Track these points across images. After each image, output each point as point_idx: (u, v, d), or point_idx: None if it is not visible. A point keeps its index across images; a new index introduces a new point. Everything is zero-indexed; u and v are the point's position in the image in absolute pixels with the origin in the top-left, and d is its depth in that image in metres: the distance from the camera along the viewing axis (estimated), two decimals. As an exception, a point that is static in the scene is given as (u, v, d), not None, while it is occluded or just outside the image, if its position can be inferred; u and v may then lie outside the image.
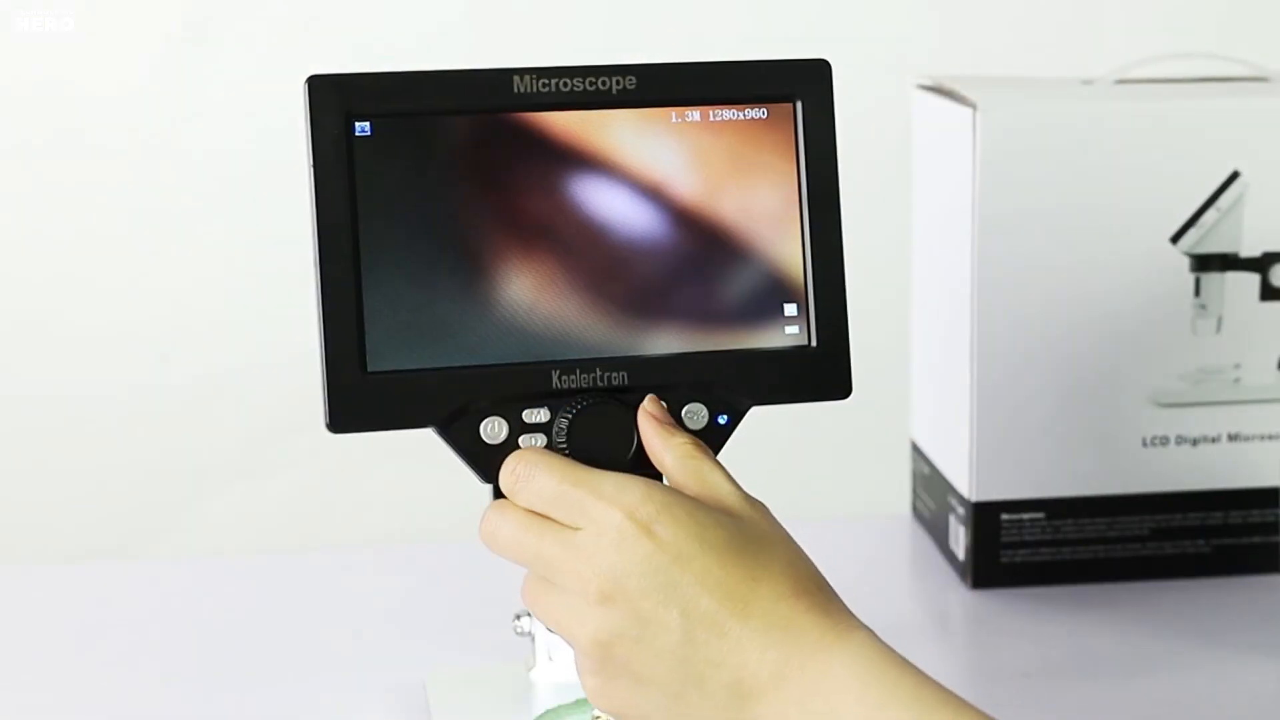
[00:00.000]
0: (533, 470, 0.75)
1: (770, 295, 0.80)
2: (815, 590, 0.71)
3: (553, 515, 0.73)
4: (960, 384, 1.07)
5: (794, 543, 0.74)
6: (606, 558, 0.71)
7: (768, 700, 0.69)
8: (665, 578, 0.70)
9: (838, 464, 1.92)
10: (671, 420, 0.77)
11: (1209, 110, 1.05)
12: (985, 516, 1.07)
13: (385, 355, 0.77)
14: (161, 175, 1.85)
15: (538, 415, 0.77)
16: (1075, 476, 1.07)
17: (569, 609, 0.72)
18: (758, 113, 0.80)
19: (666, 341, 0.79)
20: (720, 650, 0.70)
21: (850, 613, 0.71)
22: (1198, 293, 1.06)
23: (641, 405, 0.77)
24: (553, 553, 0.72)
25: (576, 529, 0.72)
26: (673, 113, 0.79)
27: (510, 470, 0.75)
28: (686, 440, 0.76)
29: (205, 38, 1.83)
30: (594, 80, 0.78)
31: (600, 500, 0.72)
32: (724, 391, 0.79)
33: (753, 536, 0.72)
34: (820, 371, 0.81)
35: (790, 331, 0.80)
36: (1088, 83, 1.11)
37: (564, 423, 0.77)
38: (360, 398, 0.76)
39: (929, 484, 1.16)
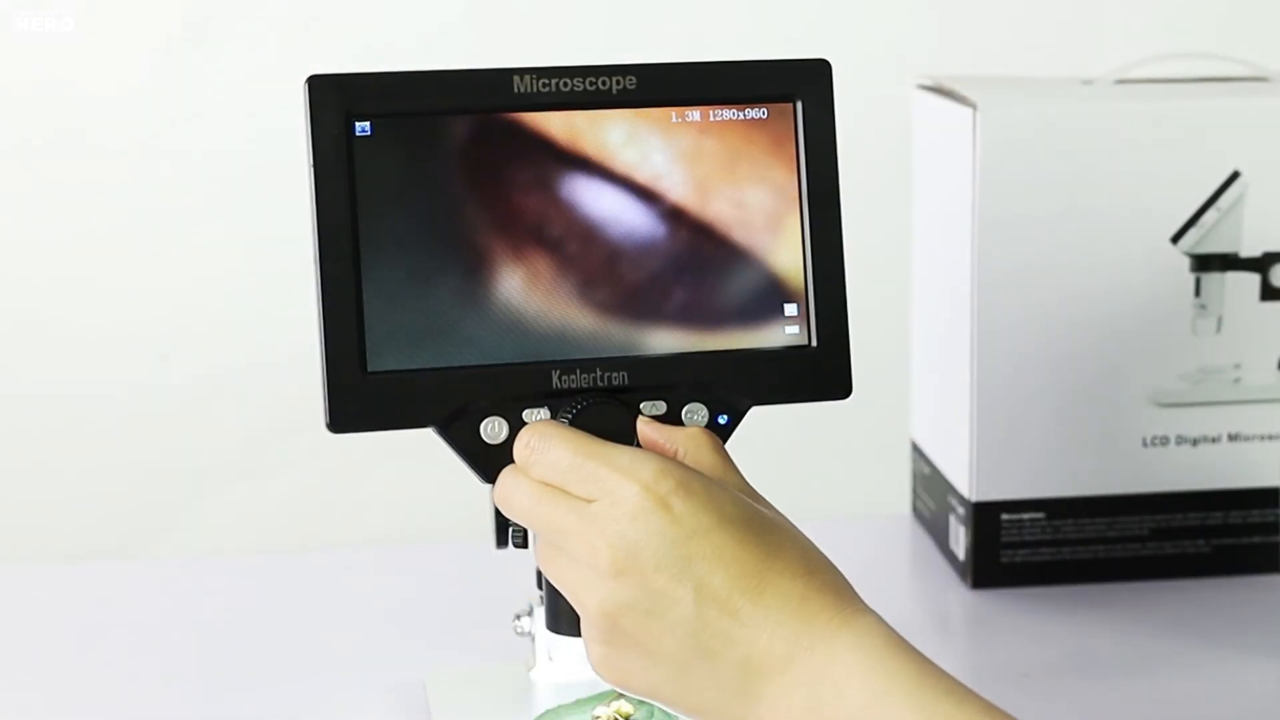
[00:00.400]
0: (547, 443, 0.74)
1: (770, 295, 0.80)
2: (826, 571, 0.71)
3: (567, 488, 0.73)
4: (960, 384, 1.07)
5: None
6: (621, 529, 0.70)
7: (776, 680, 0.69)
8: (680, 552, 0.70)
9: (838, 464, 1.92)
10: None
11: (1209, 110, 1.05)
12: (985, 516, 1.07)
13: (385, 355, 0.77)
14: (161, 175, 1.85)
15: (538, 415, 0.77)
16: (1075, 476, 1.07)
17: (579, 577, 0.72)
18: (758, 113, 0.80)
19: (666, 341, 0.79)
20: (731, 628, 0.70)
21: (858, 597, 0.71)
22: (1198, 293, 1.06)
23: (638, 423, 0.77)
24: (566, 522, 0.72)
25: (591, 500, 0.72)
26: (673, 113, 0.79)
27: (524, 443, 0.75)
28: (698, 430, 0.76)
29: (205, 38, 1.83)
30: (594, 80, 0.78)
31: (616, 472, 0.72)
32: (724, 391, 0.79)
33: (767, 516, 0.73)
34: (820, 371, 0.81)
35: (790, 331, 0.80)
36: (1088, 83, 1.11)
37: (564, 422, 0.77)
38: (360, 398, 0.76)
39: (929, 484, 1.16)
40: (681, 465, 0.73)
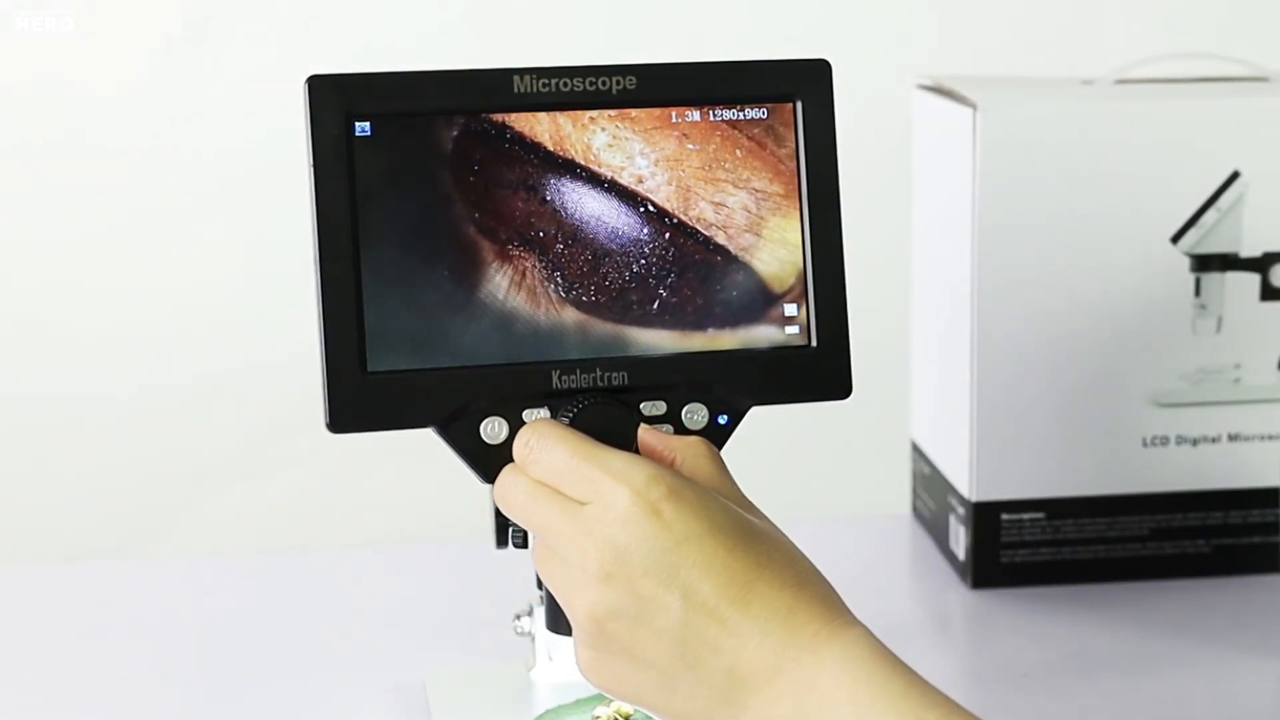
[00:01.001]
0: (544, 442, 0.75)
1: (770, 295, 0.80)
2: (815, 583, 0.71)
3: (562, 489, 0.73)
4: (960, 384, 1.07)
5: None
6: (610, 534, 0.71)
7: (762, 691, 0.69)
8: (669, 559, 0.70)
9: (838, 464, 1.92)
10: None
11: (1209, 110, 1.05)
12: (985, 516, 1.07)
13: (385, 355, 0.77)
14: (161, 175, 1.85)
15: (537, 415, 0.77)
16: (1075, 476, 1.07)
17: (569, 580, 0.72)
18: (758, 112, 0.80)
19: (666, 341, 0.79)
20: (718, 636, 0.69)
21: (847, 609, 0.71)
22: (1198, 293, 1.06)
23: (639, 430, 0.77)
24: (559, 524, 0.72)
25: (584, 503, 0.72)
26: (672, 113, 0.79)
27: (523, 442, 0.76)
28: (696, 439, 0.76)
29: (205, 38, 1.83)
30: (594, 80, 0.78)
31: (608, 476, 0.72)
32: (724, 391, 0.79)
33: (759, 526, 0.73)
34: (820, 371, 0.81)
35: (790, 331, 0.80)
36: (1088, 83, 1.11)
37: (564, 422, 0.77)
38: (360, 398, 0.76)
39: (929, 484, 1.16)
40: (674, 472, 0.73)
